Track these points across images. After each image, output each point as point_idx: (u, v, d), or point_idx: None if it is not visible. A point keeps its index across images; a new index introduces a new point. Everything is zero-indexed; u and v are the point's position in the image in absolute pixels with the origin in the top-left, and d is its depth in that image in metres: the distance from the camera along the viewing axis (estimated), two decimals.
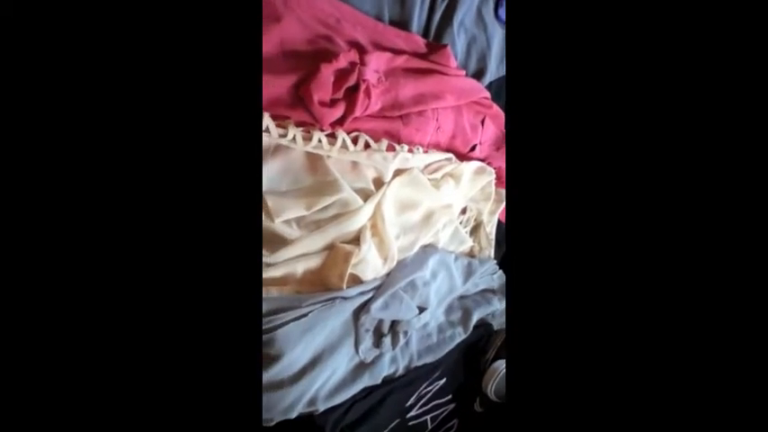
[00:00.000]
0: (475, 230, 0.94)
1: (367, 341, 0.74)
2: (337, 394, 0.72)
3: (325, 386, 0.70)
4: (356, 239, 0.68)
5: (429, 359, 0.83)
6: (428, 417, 0.86)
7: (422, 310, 0.79)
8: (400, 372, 0.80)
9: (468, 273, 0.88)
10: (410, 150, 0.70)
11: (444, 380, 0.87)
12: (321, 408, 0.70)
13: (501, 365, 0.92)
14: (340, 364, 0.70)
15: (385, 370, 0.78)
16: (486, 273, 0.91)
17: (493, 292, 0.92)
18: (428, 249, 0.82)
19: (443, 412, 0.88)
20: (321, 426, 0.73)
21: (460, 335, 0.87)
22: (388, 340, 0.75)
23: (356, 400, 0.77)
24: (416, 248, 0.79)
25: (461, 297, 0.90)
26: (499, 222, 0.97)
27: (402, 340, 0.77)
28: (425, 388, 0.85)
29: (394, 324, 0.76)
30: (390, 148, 0.68)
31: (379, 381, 0.79)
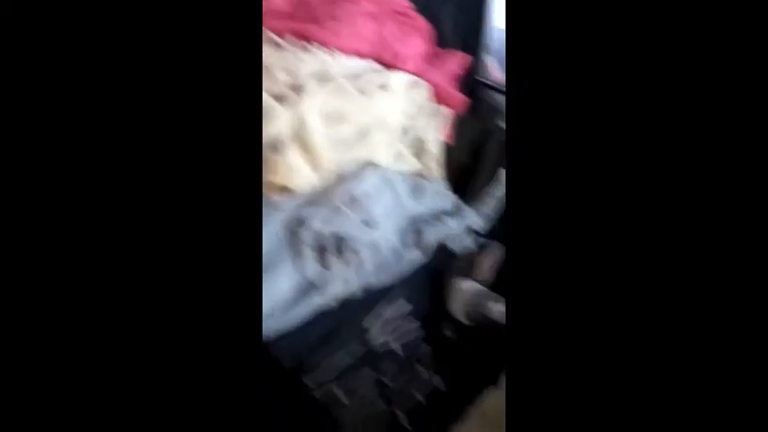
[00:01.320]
0: (420, 154, 0.92)
1: (310, 259, 0.70)
2: (285, 316, 0.68)
3: (270, 309, 0.65)
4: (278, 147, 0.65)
5: (387, 280, 0.79)
6: (398, 344, 0.81)
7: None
8: (358, 294, 0.76)
9: (417, 192, 0.85)
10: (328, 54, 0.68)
11: (410, 306, 0.83)
12: (272, 333, 0.66)
13: (466, 285, 0.88)
14: (280, 283, 0.66)
15: (338, 291, 0.74)
16: (437, 194, 0.88)
17: (447, 213, 0.89)
18: (369, 166, 0.80)
19: (414, 339, 0.83)
20: (276, 357, 0.69)
21: (419, 258, 0.84)
22: (334, 258, 0.71)
23: (309, 323, 0.72)
24: (355, 166, 0.77)
25: (414, 220, 0.87)
26: (448, 146, 0.95)
27: (352, 259, 0.73)
28: (388, 312, 0.80)
29: (340, 241, 0.73)
30: (304, 50, 0.66)
31: (332, 302, 0.75)
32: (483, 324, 0.89)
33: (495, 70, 1.09)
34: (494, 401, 0.71)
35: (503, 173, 1.04)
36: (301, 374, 0.70)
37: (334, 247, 0.71)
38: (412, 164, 0.87)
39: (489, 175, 1.00)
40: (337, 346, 0.71)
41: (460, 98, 0.93)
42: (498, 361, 0.63)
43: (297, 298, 0.69)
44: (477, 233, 0.96)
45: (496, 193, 0.99)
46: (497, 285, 0.97)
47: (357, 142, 0.75)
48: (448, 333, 0.89)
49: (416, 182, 0.86)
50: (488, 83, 1.08)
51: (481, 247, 0.94)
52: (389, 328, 0.81)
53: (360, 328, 0.75)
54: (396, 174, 0.82)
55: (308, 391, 0.70)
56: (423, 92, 0.84)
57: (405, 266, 0.81)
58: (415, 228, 0.85)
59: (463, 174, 0.96)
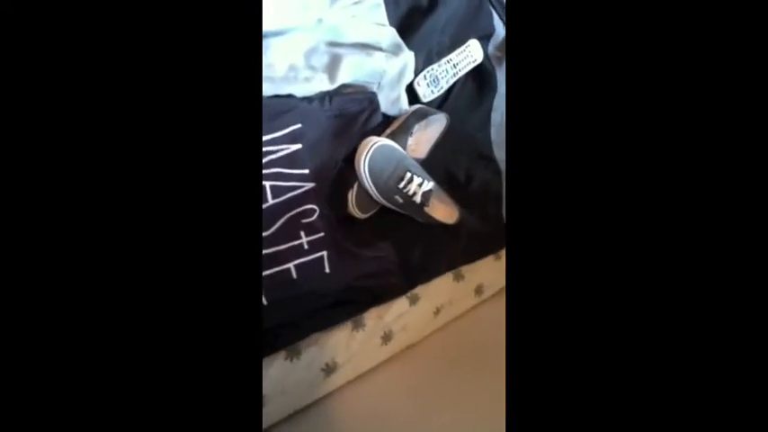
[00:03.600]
0: None
1: None
2: None
3: None
4: None
5: (267, 91, 0.60)
6: (266, 183, 0.62)
7: None
8: None
9: None
10: None
11: (299, 145, 0.64)
12: None
13: (376, 140, 0.69)
14: None
15: None
16: (371, 13, 0.68)
17: (379, 48, 0.69)
18: None
19: (294, 190, 0.64)
20: None
21: (323, 83, 0.64)
22: None
23: None
24: None
25: (333, 44, 0.67)
26: None
27: None
28: (264, 138, 0.61)
29: None
30: None
31: None
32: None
33: None
34: None
35: (473, 41, 0.84)
36: None
37: None
38: None
39: (449, 26, 0.79)
40: None
41: None
42: None
43: None
44: (413, 94, 0.76)
45: (456, 59, 0.79)
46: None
47: None
48: (354, 211, 0.70)
49: None
50: None
51: (421, 116, 0.75)
52: (266, 164, 0.62)
53: None
54: None
55: None
56: None
57: (300, 86, 0.61)
58: (332, 52, 0.65)
59: (415, 13, 0.75)
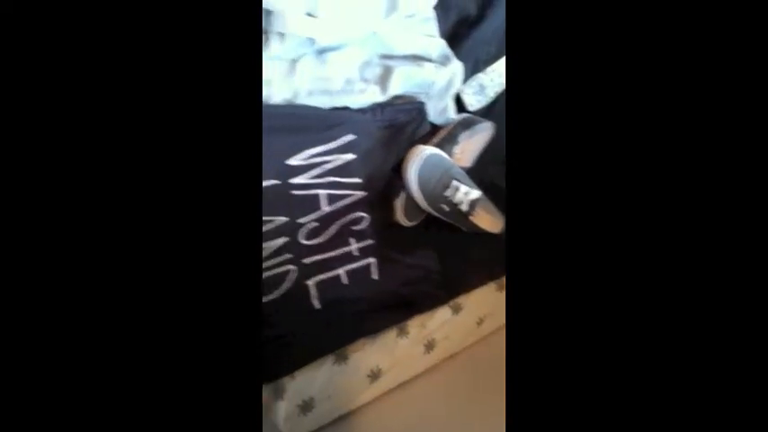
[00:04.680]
0: None
1: None
2: None
3: None
4: None
5: (325, 103, 0.62)
6: (322, 192, 0.63)
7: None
8: (277, 103, 0.59)
9: (391, 7, 0.65)
10: None
11: (353, 155, 0.65)
12: None
13: (425, 149, 0.69)
14: None
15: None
16: (423, 25, 0.69)
17: (429, 60, 0.70)
18: None
19: (347, 198, 0.65)
20: None
21: (375, 94, 0.65)
22: None
23: None
24: None
25: (385, 56, 0.68)
26: None
27: (277, 48, 0.55)
28: (320, 148, 0.62)
29: (267, 20, 0.55)
30: None
31: None
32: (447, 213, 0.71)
33: None
34: None
35: None
36: None
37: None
38: None
39: (495, 37, 0.79)
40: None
41: None
42: None
43: None
44: (460, 103, 0.76)
45: (502, 68, 0.79)
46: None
47: None
48: (402, 220, 0.71)
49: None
50: None
51: (467, 125, 0.75)
52: (320, 174, 0.63)
53: (282, 160, 0.58)
54: None
55: None
56: None
57: (354, 97, 0.63)
58: (383, 64, 0.66)
59: (463, 24, 0.77)
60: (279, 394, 0.62)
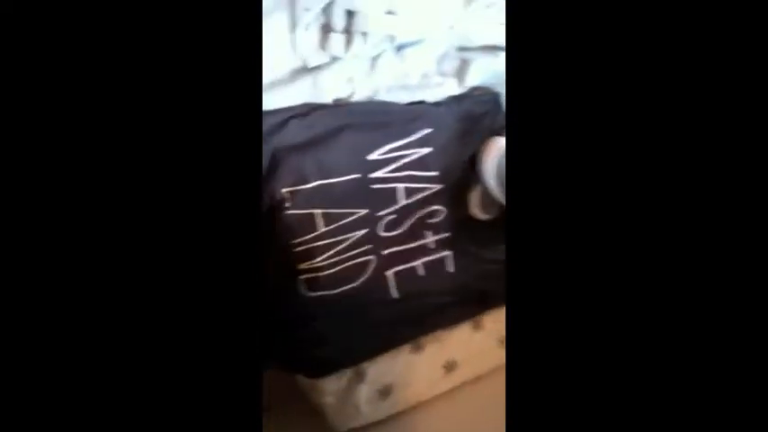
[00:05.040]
0: None
1: (306, 34, 0.56)
2: (270, 91, 0.56)
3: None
4: None
5: (403, 98, 0.63)
6: (399, 186, 0.65)
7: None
8: (359, 100, 0.61)
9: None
10: None
11: (430, 149, 0.66)
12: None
13: (502, 141, 0.68)
14: (268, 46, 0.54)
15: (339, 89, 0.60)
16: (496, 17, 0.68)
17: (502, 49, 0.69)
18: None
19: (424, 191, 0.66)
20: None
21: (453, 88, 0.66)
22: (339, 38, 0.57)
23: (295, 114, 0.60)
24: None
25: (462, 48, 0.68)
26: None
27: (360, 47, 0.57)
28: (398, 143, 0.64)
29: (350, 20, 0.58)
30: None
31: (327, 99, 0.61)
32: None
33: None
34: None
35: None
36: None
37: (342, 27, 0.56)
38: None
39: None
40: (335, 167, 0.59)
41: None
42: None
43: (289, 79, 0.56)
44: None
45: None
46: None
47: None
48: (477, 212, 0.71)
49: None
50: None
51: None
52: (399, 168, 0.65)
53: (363, 156, 0.60)
54: None
55: None
56: None
57: (432, 90, 0.64)
58: (460, 56, 0.66)
59: None
60: (360, 377, 0.65)
